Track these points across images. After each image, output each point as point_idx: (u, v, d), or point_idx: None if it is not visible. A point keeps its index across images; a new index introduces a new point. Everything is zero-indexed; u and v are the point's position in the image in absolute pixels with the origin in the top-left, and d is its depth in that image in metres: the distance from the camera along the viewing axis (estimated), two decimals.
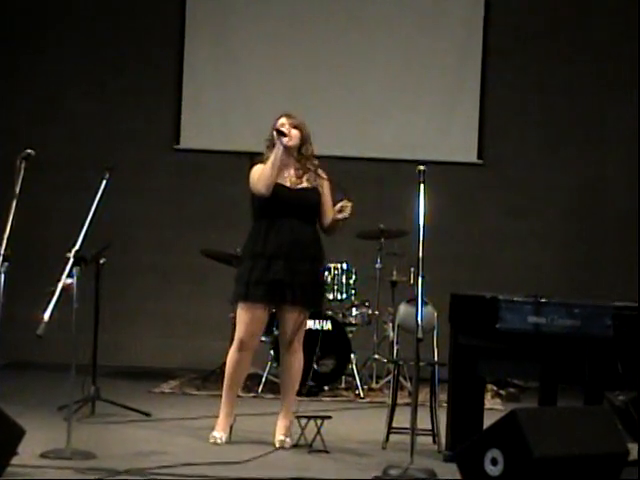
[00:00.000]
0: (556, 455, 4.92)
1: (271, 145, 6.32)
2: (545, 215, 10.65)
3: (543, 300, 5.72)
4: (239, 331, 6.26)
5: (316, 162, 6.37)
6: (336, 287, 8.86)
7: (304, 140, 6.32)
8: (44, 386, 8.47)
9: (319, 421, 6.13)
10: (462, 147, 10.65)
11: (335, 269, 8.85)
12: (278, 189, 6.21)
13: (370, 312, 9.11)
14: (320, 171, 6.37)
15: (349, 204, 6.21)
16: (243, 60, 10.65)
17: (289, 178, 6.28)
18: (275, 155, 6.18)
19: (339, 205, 6.22)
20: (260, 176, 6.20)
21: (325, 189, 6.36)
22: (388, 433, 6.42)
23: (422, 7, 10.70)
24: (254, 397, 8.39)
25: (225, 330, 8.81)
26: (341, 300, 8.94)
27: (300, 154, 6.30)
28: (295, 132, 6.29)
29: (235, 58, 10.66)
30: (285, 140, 6.21)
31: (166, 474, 5.23)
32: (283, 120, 6.32)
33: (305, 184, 6.30)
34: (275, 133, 6.24)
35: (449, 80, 10.64)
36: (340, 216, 6.21)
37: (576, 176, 10.63)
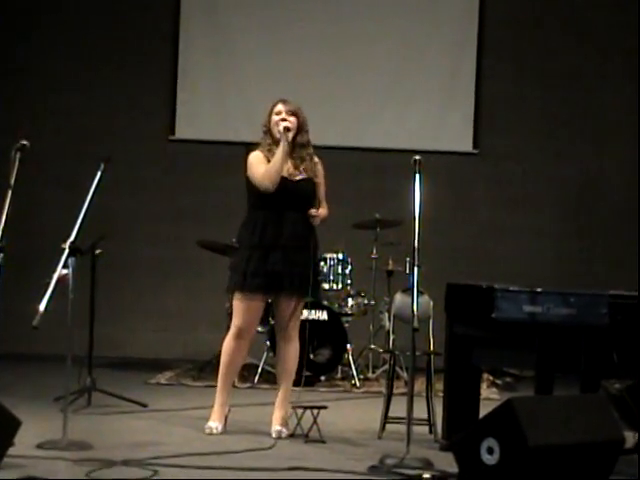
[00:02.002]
0: (552, 444, 4.93)
1: (268, 132, 6.30)
2: (541, 206, 10.66)
3: (539, 289, 5.72)
4: (236, 320, 6.25)
5: (311, 150, 6.36)
6: (332, 277, 8.87)
7: (300, 127, 6.29)
8: (40, 377, 8.47)
9: (315, 411, 6.14)
10: (458, 137, 10.66)
11: (331, 259, 8.86)
12: None
13: (366, 302, 9.12)
14: (316, 159, 6.37)
15: (319, 215, 6.21)
16: (238, 50, 10.64)
17: (287, 169, 6.27)
18: (282, 152, 6.15)
19: (312, 211, 6.21)
20: (266, 173, 6.16)
21: (320, 178, 6.36)
22: (384, 423, 6.43)
23: None
24: (250, 387, 8.39)
25: (221, 321, 8.82)
26: (337, 290, 8.95)
27: (296, 142, 6.29)
28: (292, 119, 6.26)
29: (230, 48, 10.65)
30: (291, 135, 6.20)
31: (162, 464, 5.22)
32: (280, 107, 6.29)
33: (302, 175, 6.29)
34: (281, 130, 6.20)
35: (445, 70, 10.64)
36: (311, 221, 6.22)
37: (572, 167, 10.64)
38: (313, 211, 6.20)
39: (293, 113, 6.27)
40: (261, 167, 6.20)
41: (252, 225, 6.25)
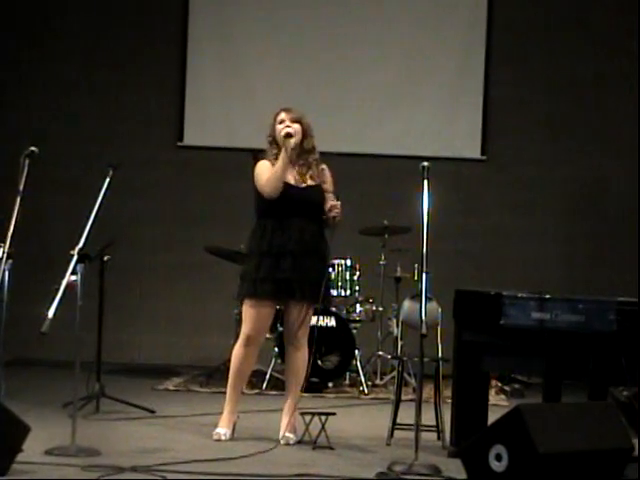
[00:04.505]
0: (560, 451, 4.92)
1: (273, 141, 6.31)
2: (548, 211, 10.65)
3: (547, 296, 5.72)
4: (246, 327, 6.26)
5: (317, 155, 6.36)
6: (340, 283, 8.87)
7: (305, 133, 6.30)
8: (48, 383, 8.48)
9: (323, 417, 6.13)
10: (466, 143, 10.65)
11: (339, 265, 8.86)
12: (284, 188, 6.19)
13: (374, 308, 9.12)
14: (323, 165, 6.37)
15: (337, 203, 6.19)
16: (246, 57, 10.65)
17: (294, 176, 6.27)
18: (283, 159, 6.15)
19: (329, 204, 6.20)
20: (268, 180, 6.17)
21: (328, 184, 6.35)
22: (392, 429, 6.42)
23: (426, 4, 10.70)
24: (258, 394, 8.39)
25: (229, 327, 8.83)
26: (345, 296, 8.95)
27: (302, 148, 6.30)
28: (296, 126, 6.27)
29: (238, 55, 10.67)
30: (293, 142, 6.20)
31: (171, 471, 5.23)
32: (283, 116, 6.30)
33: (309, 181, 6.29)
34: (282, 136, 6.20)
35: (453, 76, 10.63)
36: (331, 214, 6.19)
37: (579, 172, 10.63)
38: (334, 203, 6.17)
39: (296, 120, 6.28)
40: (266, 174, 6.22)
41: (261, 232, 6.25)
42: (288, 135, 6.21)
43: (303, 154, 6.31)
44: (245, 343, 6.27)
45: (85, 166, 10.14)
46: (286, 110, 6.34)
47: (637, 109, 10.42)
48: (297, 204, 6.20)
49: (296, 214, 6.20)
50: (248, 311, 6.25)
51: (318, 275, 6.20)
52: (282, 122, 6.29)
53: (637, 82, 10.41)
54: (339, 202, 6.20)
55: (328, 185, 6.34)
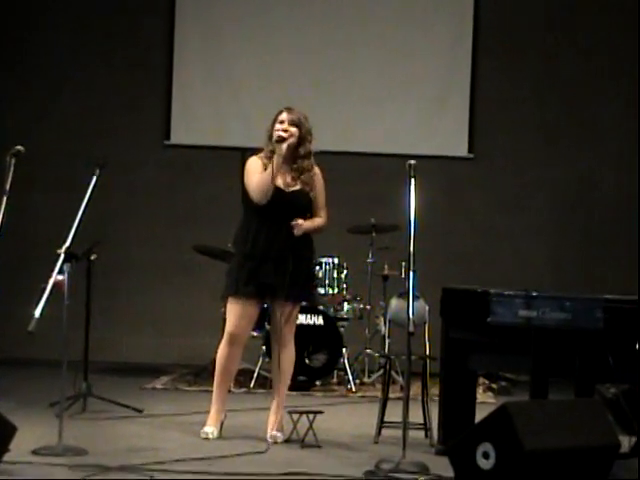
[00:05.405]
0: (547, 448, 4.93)
1: (270, 137, 6.26)
2: (536, 209, 10.66)
3: (534, 293, 5.73)
4: (229, 325, 6.27)
5: (312, 161, 6.32)
6: (328, 282, 8.87)
7: (302, 138, 6.27)
8: (35, 383, 8.45)
9: (311, 416, 6.14)
10: (453, 141, 10.66)
11: (327, 264, 8.86)
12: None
13: (362, 306, 9.12)
14: (316, 170, 6.34)
15: (296, 224, 6.18)
16: (233, 55, 10.64)
17: (284, 179, 6.25)
18: (275, 165, 6.12)
19: (293, 222, 6.18)
20: (258, 186, 6.16)
21: (318, 188, 6.33)
22: (380, 427, 6.43)
23: (413, 2, 10.69)
24: (246, 392, 8.39)
25: (217, 326, 8.80)
26: (333, 295, 8.94)
27: (297, 152, 6.28)
28: (294, 130, 6.24)
29: (225, 53, 10.66)
30: (284, 146, 6.18)
31: (158, 470, 5.22)
32: (283, 116, 6.27)
33: (298, 186, 6.27)
34: (274, 140, 6.17)
35: (440, 74, 10.64)
36: (295, 232, 6.19)
37: (567, 170, 10.64)
38: (295, 221, 6.19)
39: (296, 123, 6.25)
40: (255, 177, 6.20)
41: (246, 232, 6.26)
42: (281, 139, 6.19)
43: (298, 158, 6.29)
44: (228, 342, 6.28)
45: (72, 165, 10.10)
46: (288, 110, 6.30)
47: (626, 108, 10.43)
48: (283, 208, 6.19)
49: (282, 217, 6.19)
50: (232, 309, 6.27)
51: (301, 276, 6.21)
52: (282, 123, 6.27)
53: (626, 82, 10.43)
54: (301, 222, 6.19)
55: (317, 192, 6.32)
